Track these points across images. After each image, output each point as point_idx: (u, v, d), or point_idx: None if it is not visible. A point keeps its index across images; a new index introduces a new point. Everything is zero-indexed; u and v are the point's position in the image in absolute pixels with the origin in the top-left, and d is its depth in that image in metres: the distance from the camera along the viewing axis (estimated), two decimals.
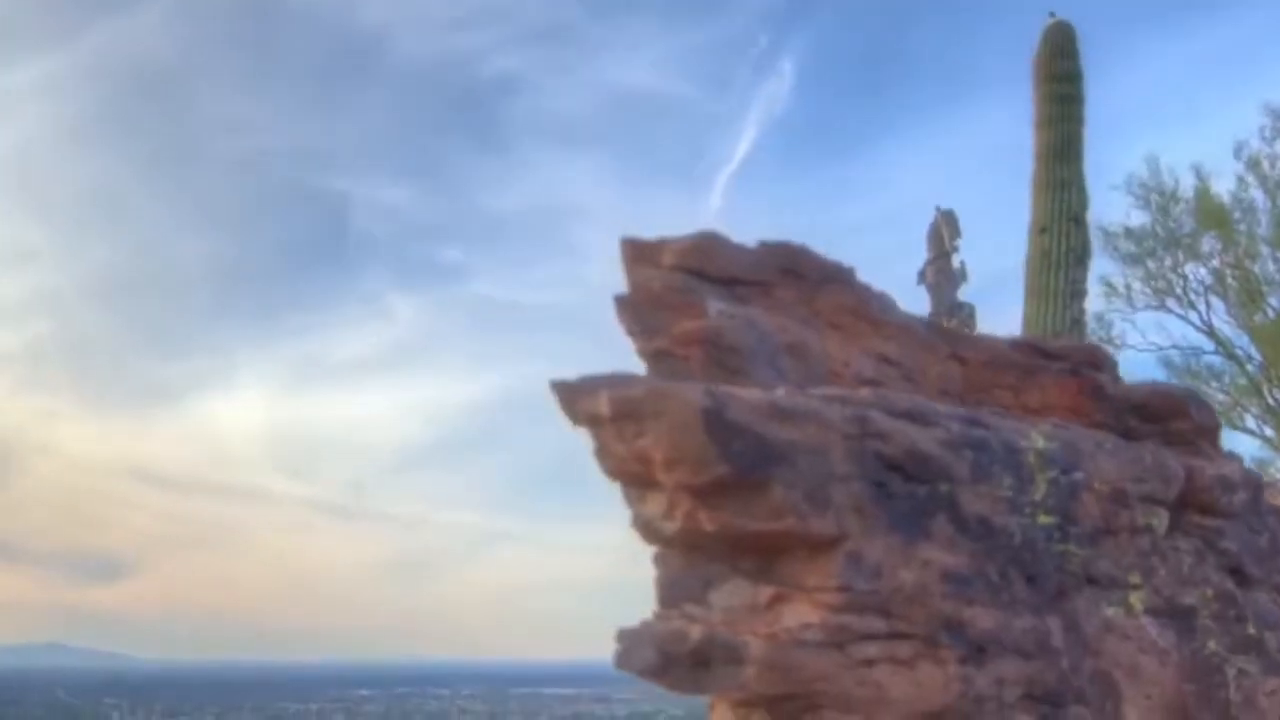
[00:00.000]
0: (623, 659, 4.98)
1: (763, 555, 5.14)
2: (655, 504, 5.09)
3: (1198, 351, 16.42)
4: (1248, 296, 15.59)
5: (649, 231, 5.79)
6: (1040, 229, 9.11)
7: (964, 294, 9.20)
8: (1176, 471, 6.79)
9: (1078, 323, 8.95)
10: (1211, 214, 16.28)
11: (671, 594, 5.20)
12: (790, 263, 6.28)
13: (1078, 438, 6.36)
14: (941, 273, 9.16)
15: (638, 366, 5.49)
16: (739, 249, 6.13)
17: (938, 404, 5.75)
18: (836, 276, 6.48)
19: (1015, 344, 7.38)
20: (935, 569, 5.26)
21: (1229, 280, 15.90)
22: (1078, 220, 9.23)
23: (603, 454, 5.07)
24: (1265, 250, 15.91)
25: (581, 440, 5.08)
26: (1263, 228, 16.23)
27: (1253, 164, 16.79)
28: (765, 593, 5.08)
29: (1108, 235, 16.12)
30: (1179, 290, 16.25)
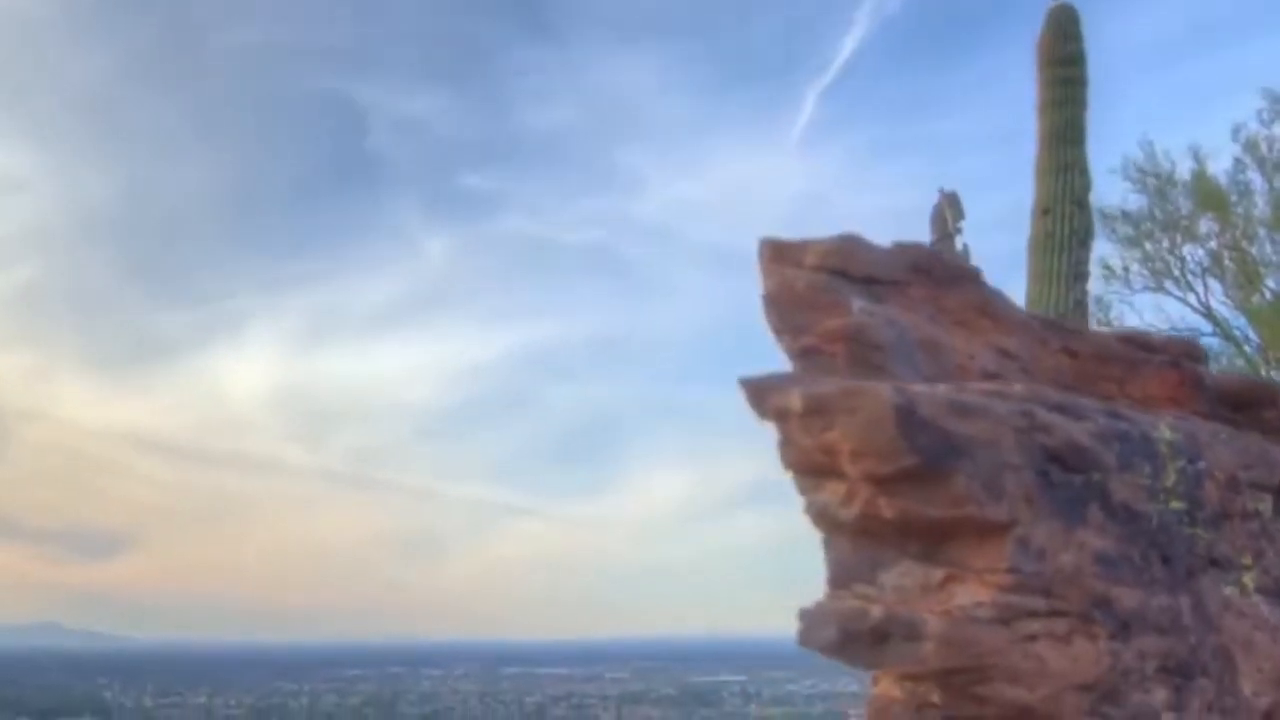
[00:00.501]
0: (804, 636, 5.38)
1: (931, 540, 5.55)
2: (833, 492, 5.47)
3: (1195, 333, 16.75)
4: (1245, 278, 15.94)
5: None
6: (1043, 211, 9.43)
7: None
8: (1278, 459, 7.23)
9: (1080, 304, 9.29)
10: (1209, 196, 16.67)
11: (842, 576, 5.59)
12: (921, 262, 6.72)
13: (1196, 429, 6.78)
14: (945, 254, 9.50)
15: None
16: (875, 249, 6.56)
17: (1080, 398, 6.15)
18: (962, 276, 6.91)
19: (1120, 338, 7.78)
20: (1089, 552, 5.68)
21: (1226, 262, 16.26)
22: (1080, 203, 9.54)
23: (787, 446, 5.45)
24: (1262, 232, 16.28)
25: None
26: (1259, 209, 16.66)
27: (1250, 146, 17.22)
28: (937, 574, 5.48)
29: (1106, 217, 16.36)
30: (1177, 272, 16.62)
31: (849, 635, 5.32)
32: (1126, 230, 16.91)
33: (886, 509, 5.35)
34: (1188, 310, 16.60)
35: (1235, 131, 17.22)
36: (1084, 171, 9.58)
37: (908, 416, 5.11)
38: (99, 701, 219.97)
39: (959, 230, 9.42)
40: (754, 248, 6.37)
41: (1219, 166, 17.08)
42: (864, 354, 5.88)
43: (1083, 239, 9.31)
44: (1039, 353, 7.21)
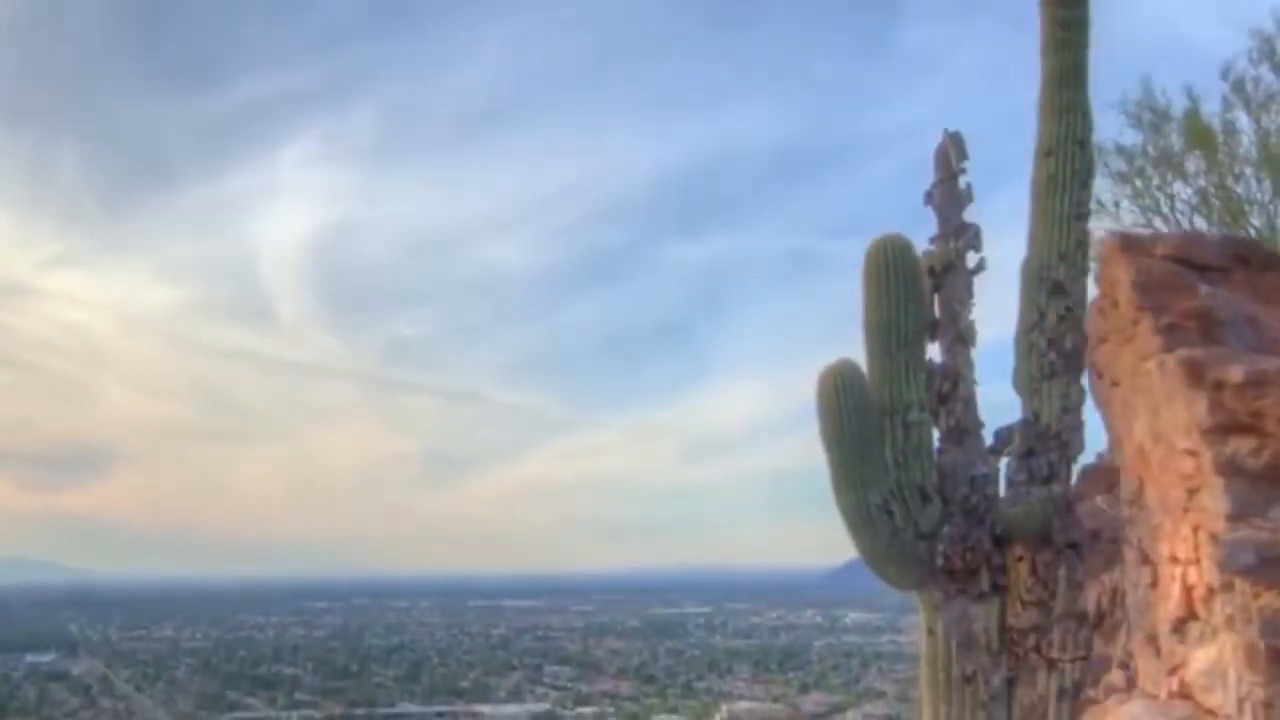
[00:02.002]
0: (1225, 563, 6.03)
1: None
2: (1244, 445, 6.21)
3: None
4: (1230, 216, 16.16)
5: None
6: (1046, 152, 9.51)
7: (969, 215, 9.65)
8: None
9: (1082, 244, 9.38)
10: (1198, 134, 16.84)
11: (1239, 511, 6.20)
12: (1243, 252, 7.67)
13: None
14: (948, 195, 9.61)
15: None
16: (1209, 240, 7.86)
17: None
18: (1275, 263, 7.78)
19: None
20: None
21: (1213, 200, 16.47)
22: (1083, 144, 9.63)
23: (1214, 408, 6.24)
24: (1249, 171, 16.49)
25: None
26: (1245, 148, 16.86)
27: (1238, 86, 17.41)
28: None
29: (1100, 152, 16.43)
30: (1165, 209, 16.82)
31: (1264, 561, 5.96)
32: (1119, 165, 17.08)
33: None
34: None
35: (1224, 71, 17.44)
36: (1086, 114, 9.67)
37: None
38: (65, 635, 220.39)
39: (962, 170, 9.53)
40: None
41: (1212, 106, 17.28)
42: (1211, 329, 6.81)
43: (1084, 180, 9.42)
44: None
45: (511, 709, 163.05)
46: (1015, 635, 8.41)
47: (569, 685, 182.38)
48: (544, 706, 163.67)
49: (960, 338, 9.03)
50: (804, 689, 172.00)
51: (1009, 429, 8.93)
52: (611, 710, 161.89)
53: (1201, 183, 15.65)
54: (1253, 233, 15.17)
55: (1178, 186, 15.79)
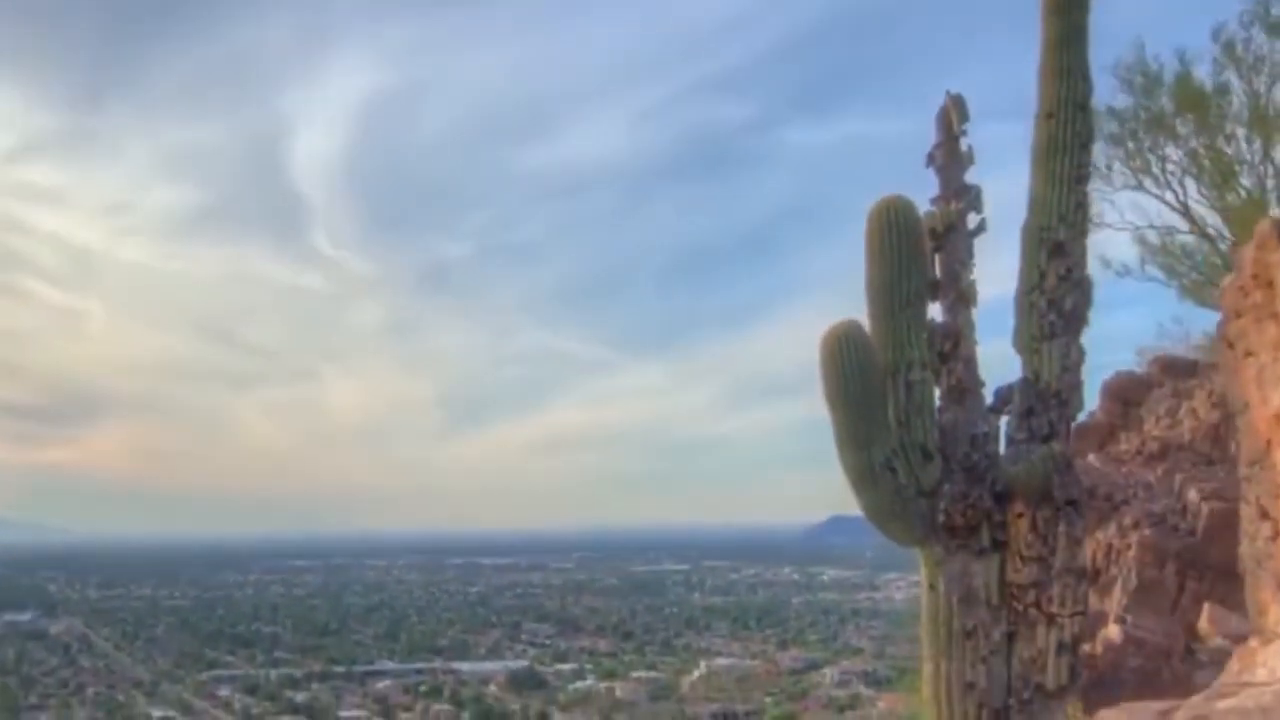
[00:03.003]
0: None
1: None
2: None
3: (1172, 231, 17.13)
4: (1221, 177, 16.28)
5: None
6: (1047, 115, 9.60)
7: (970, 177, 9.75)
8: None
9: (1081, 206, 9.48)
10: (1189, 97, 16.95)
11: None
12: None
13: None
14: (949, 156, 9.71)
15: None
16: None
17: None
18: None
19: None
20: None
21: (1204, 162, 16.59)
22: (1083, 107, 9.73)
23: None
24: (1239, 132, 16.62)
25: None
26: (1235, 109, 16.97)
27: (1228, 48, 17.49)
28: None
29: (1094, 115, 16.46)
30: (1156, 171, 16.94)
31: None
32: (1112, 128, 17.18)
33: None
34: (1166, 209, 16.97)
35: (1215, 33, 17.53)
36: (1086, 77, 9.74)
37: None
38: (44, 595, 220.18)
39: (963, 132, 9.61)
40: None
41: (1203, 69, 17.37)
42: None
43: (1084, 142, 9.49)
44: None
45: (490, 666, 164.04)
46: (1015, 590, 8.55)
47: (548, 642, 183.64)
48: (523, 663, 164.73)
49: (961, 298, 9.12)
50: (782, 645, 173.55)
51: (1009, 388, 9.04)
52: (590, 667, 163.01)
53: (1193, 144, 15.78)
54: (1242, 194, 15.31)
55: (1170, 149, 15.91)
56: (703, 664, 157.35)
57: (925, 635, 8.83)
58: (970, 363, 9.10)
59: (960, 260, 9.24)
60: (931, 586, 8.76)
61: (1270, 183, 15.29)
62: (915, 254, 8.97)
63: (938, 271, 9.26)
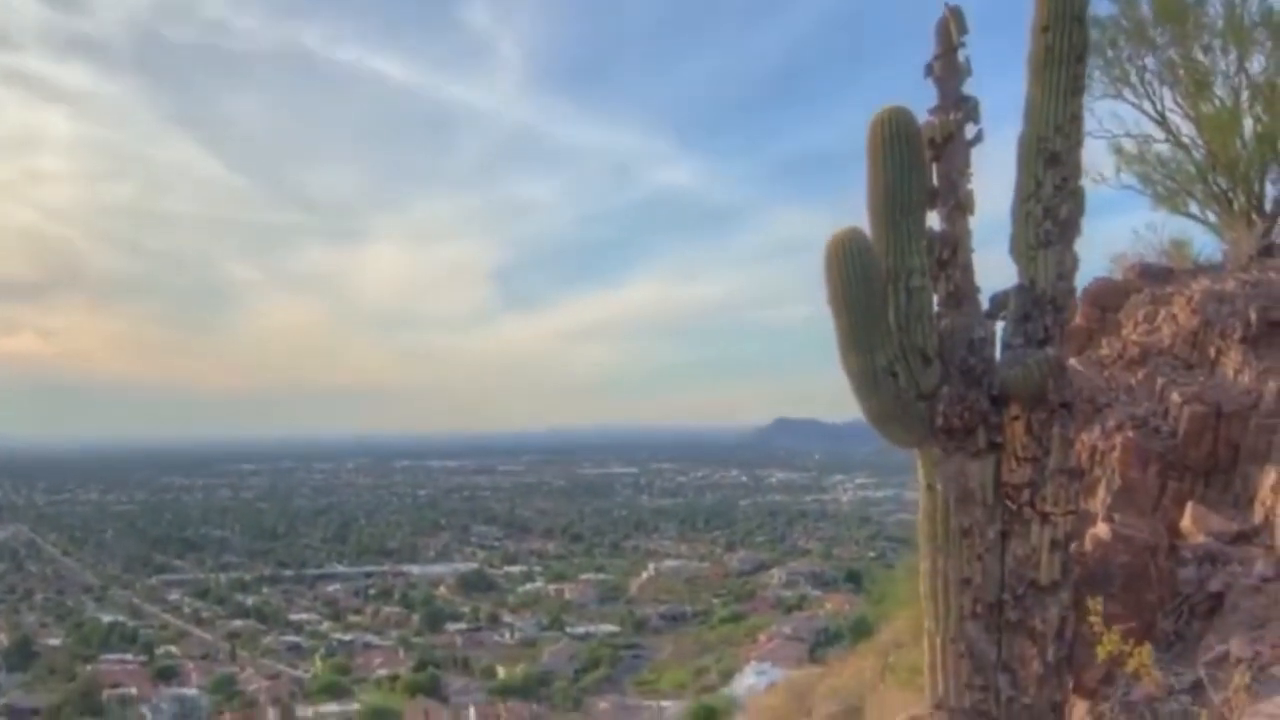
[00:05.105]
0: None
1: None
2: None
3: (1148, 140, 17.34)
4: (1196, 88, 16.48)
5: None
6: (1043, 28, 9.76)
7: (968, 88, 9.89)
8: None
9: (1077, 118, 9.66)
10: (1169, 6, 17.05)
11: None
12: None
13: None
14: (948, 67, 9.84)
15: None
16: None
17: None
18: None
19: None
20: None
21: (1180, 72, 16.78)
22: (1079, 19, 9.88)
23: None
24: (1216, 43, 16.79)
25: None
26: (1211, 20, 17.10)
27: None
28: None
29: None
30: (1135, 80, 17.11)
31: None
32: (1093, 36, 17.25)
33: None
34: (1143, 117, 17.16)
35: None
36: None
37: None
38: None
39: (962, 44, 9.72)
40: None
41: None
42: None
43: (1079, 54, 9.62)
44: None
45: (440, 569, 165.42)
46: (1010, 490, 8.83)
47: (497, 545, 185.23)
48: (472, 566, 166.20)
49: (959, 206, 9.30)
50: (730, 547, 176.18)
51: (1005, 294, 9.26)
52: (539, 569, 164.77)
53: (1170, 54, 15.96)
54: (1216, 104, 15.53)
55: (1149, 60, 16.08)
56: (651, 566, 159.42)
57: (923, 534, 9.11)
58: (968, 269, 9.31)
59: (958, 169, 9.41)
60: (929, 487, 9.03)
61: (1245, 94, 15.53)
62: (915, 164, 9.13)
63: (936, 180, 9.44)
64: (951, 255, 9.24)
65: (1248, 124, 15.57)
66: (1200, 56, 15.96)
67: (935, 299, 9.17)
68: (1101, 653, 7.58)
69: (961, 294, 9.23)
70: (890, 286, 8.92)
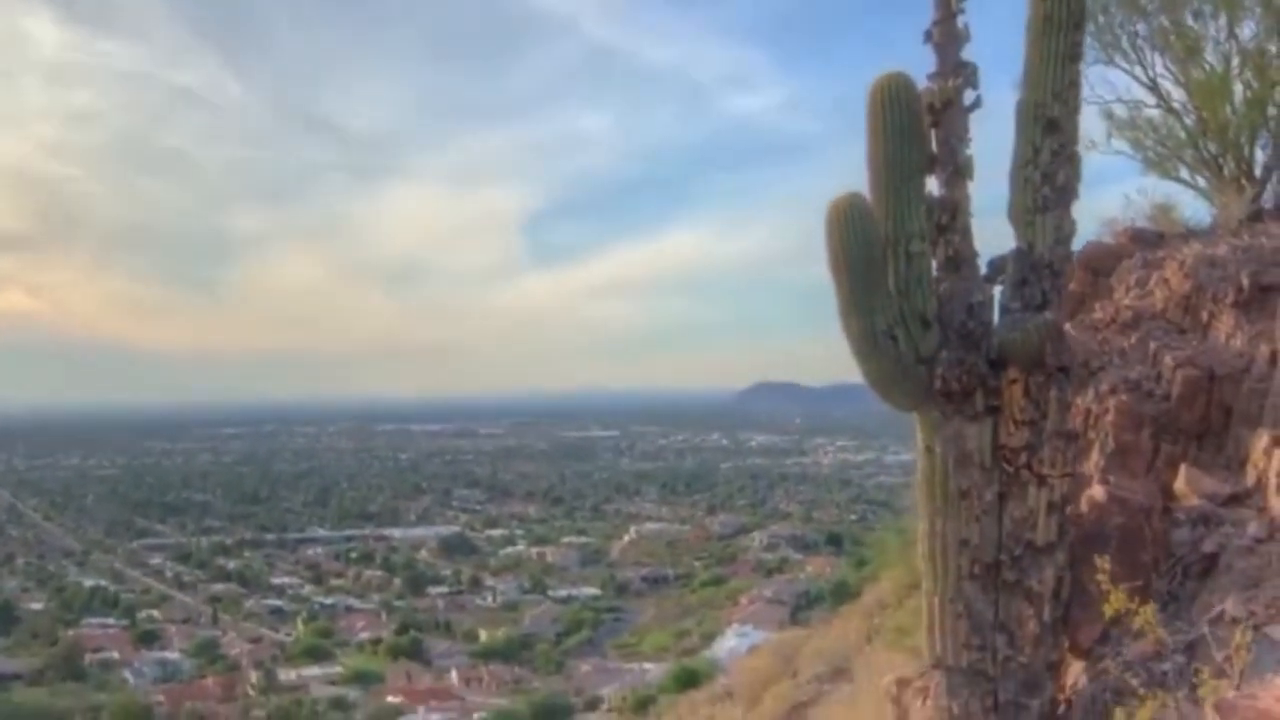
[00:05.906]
0: None
1: None
2: None
3: (1139, 105, 17.37)
4: (1186, 53, 16.51)
5: None
6: None
7: (966, 54, 9.93)
8: None
9: (1074, 84, 9.69)
10: None
11: None
12: None
13: None
14: (947, 33, 9.88)
15: None
16: None
17: None
18: None
19: None
20: None
21: (1171, 37, 16.79)
22: None
23: None
24: (1206, 9, 16.80)
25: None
26: None
27: None
28: None
29: None
30: (1125, 45, 17.11)
31: None
32: (1086, 2, 17.23)
33: None
34: (1134, 83, 17.18)
35: None
36: None
37: None
38: None
39: (961, 10, 9.76)
40: None
41: None
42: None
43: (1078, 21, 9.67)
44: None
45: (421, 532, 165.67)
46: (1008, 453, 8.93)
47: (478, 508, 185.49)
48: (454, 529, 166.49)
49: (958, 172, 9.36)
50: (711, 510, 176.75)
51: (1003, 258, 9.34)
52: (520, 532, 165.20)
53: (1161, 20, 15.99)
54: (1206, 69, 15.57)
55: (1140, 26, 16.10)
56: (632, 529, 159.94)
57: (921, 496, 9.22)
58: (967, 234, 9.37)
59: (957, 135, 9.46)
60: (928, 449, 9.13)
61: (1235, 60, 15.57)
62: (915, 129, 9.19)
63: (935, 146, 9.49)
64: (950, 220, 9.30)
65: (1238, 90, 15.60)
66: (1191, 22, 15.97)
67: (934, 263, 9.24)
68: (1108, 610, 7.68)
69: (960, 258, 9.29)
70: (890, 251, 8.99)
